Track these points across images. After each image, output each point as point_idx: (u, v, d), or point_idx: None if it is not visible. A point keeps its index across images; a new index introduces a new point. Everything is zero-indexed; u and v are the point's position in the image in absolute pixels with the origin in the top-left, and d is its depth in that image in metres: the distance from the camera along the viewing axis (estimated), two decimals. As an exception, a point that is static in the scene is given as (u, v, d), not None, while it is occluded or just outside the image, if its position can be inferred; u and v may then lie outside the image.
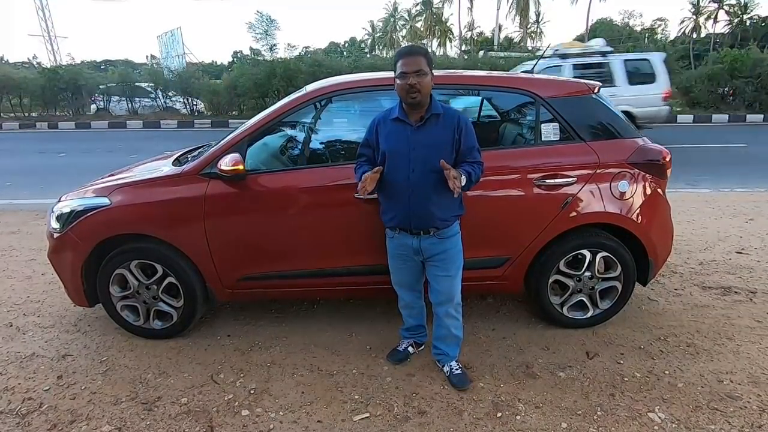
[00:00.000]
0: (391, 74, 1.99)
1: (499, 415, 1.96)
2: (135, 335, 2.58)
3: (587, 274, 2.48)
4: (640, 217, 2.43)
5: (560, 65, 8.07)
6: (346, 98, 2.60)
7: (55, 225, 2.48)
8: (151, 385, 2.19)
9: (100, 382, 2.22)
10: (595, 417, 1.95)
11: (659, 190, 2.50)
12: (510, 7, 41.41)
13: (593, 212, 2.39)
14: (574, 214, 2.38)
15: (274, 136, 2.63)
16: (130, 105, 15.89)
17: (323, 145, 2.72)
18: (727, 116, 13.00)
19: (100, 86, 15.73)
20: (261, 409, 2.02)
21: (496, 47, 29.69)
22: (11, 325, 2.76)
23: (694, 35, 40.60)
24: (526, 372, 2.25)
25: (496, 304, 2.94)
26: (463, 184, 1.84)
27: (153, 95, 15.75)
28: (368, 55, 27.10)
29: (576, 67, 8.06)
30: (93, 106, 15.97)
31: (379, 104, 2.58)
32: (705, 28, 41.49)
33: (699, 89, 13.87)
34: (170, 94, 15.67)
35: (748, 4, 38.07)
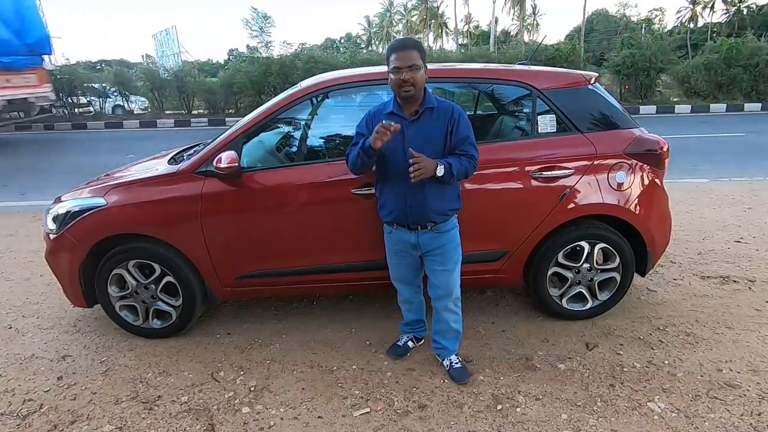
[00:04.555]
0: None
1: (499, 407, 1.97)
2: (134, 335, 2.57)
3: (586, 265, 2.48)
4: (638, 207, 2.43)
5: None
6: (343, 93, 2.59)
7: (51, 226, 2.47)
8: (152, 384, 2.20)
9: (101, 382, 2.22)
10: (595, 408, 1.95)
11: (657, 180, 2.50)
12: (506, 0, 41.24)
13: (591, 204, 2.39)
14: (572, 205, 2.37)
15: (270, 132, 2.62)
16: (126, 105, 15.86)
17: (320, 141, 2.71)
18: (725, 106, 12.99)
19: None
20: (261, 406, 2.02)
21: (492, 40, 29.53)
22: (10, 327, 2.75)
23: (691, 25, 40.49)
24: (526, 364, 2.25)
25: (495, 297, 2.94)
26: (440, 174, 1.83)
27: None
28: (364, 51, 26.94)
29: None
30: (90, 108, 15.91)
31: (375, 98, 2.57)
32: (702, 17, 41.40)
33: (696, 79, 13.85)
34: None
35: (745, -7, 37.96)
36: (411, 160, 1.80)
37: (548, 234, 2.41)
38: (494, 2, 30.81)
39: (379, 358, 2.34)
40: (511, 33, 45.37)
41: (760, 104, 13.00)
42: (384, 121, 1.77)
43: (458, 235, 2.08)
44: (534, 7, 45.25)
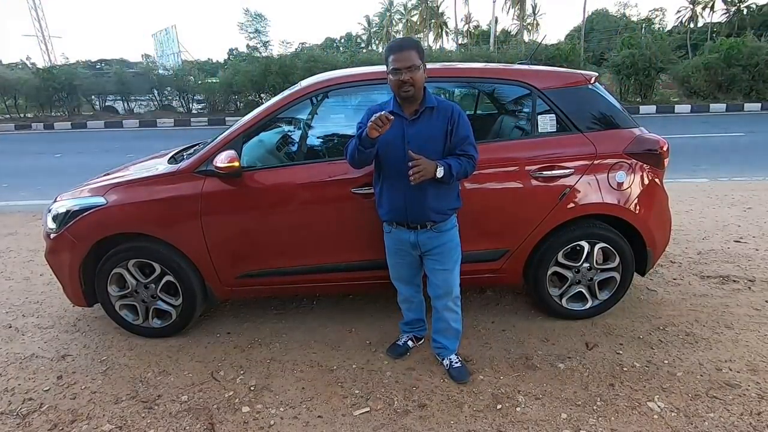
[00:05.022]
0: None
1: (499, 407, 1.97)
2: (134, 334, 2.57)
3: (586, 265, 2.48)
4: (638, 207, 2.43)
5: None
6: (343, 93, 2.59)
7: (51, 225, 2.47)
8: (152, 383, 2.20)
9: (101, 381, 2.22)
10: (594, 407, 1.95)
11: (657, 180, 2.50)
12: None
13: (591, 203, 2.39)
14: (571, 205, 2.37)
15: (270, 132, 2.62)
16: (126, 104, 15.86)
17: (320, 141, 2.70)
18: (724, 105, 13.00)
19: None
20: (261, 406, 2.02)
21: (492, 40, 29.53)
22: (10, 327, 2.75)
23: (691, 25, 40.49)
24: (526, 364, 2.25)
25: (495, 296, 2.94)
26: (440, 175, 1.82)
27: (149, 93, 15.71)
28: (364, 51, 26.97)
29: None
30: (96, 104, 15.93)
31: (375, 98, 2.57)
32: (702, 17, 41.38)
33: (696, 79, 13.85)
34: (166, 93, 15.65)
35: (745, -7, 37.94)
36: (410, 163, 1.80)
37: (548, 233, 2.41)
38: (494, 2, 30.72)
39: (378, 357, 2.34)
40: (511, 33, 45.35)
41: (759, 104, 13.00)
42: (381, 113, 1.73)
43: (458, 234, 2.08)
44: (534, 7, 45.26)
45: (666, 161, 2.52)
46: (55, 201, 2.59)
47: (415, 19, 47.37)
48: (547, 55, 13.77)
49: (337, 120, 2.77)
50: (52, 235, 2.47)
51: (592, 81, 2.53)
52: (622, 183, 2.39)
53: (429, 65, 1.97)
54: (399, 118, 1.91)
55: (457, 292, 2.13)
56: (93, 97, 15.84)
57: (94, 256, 2.44)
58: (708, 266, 3.28)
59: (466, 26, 47.69)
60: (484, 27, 47.17)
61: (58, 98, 15.24)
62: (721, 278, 3.09)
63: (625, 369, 2.19)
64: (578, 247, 2.46)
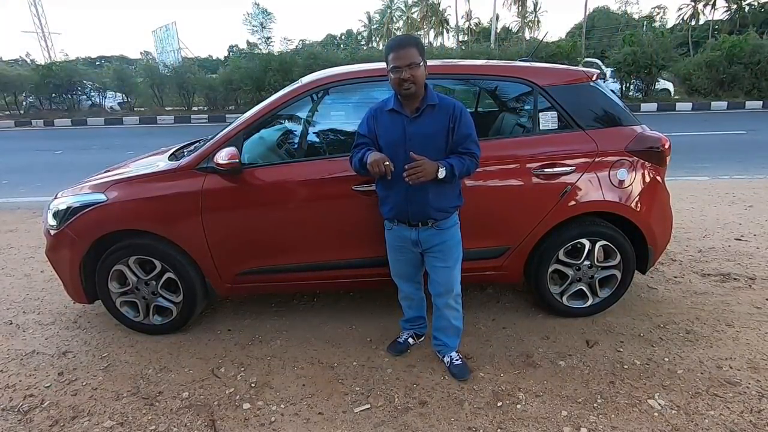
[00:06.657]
0: None
1: (499, 404, 1.97)
2: (135, 331, 2.58)
3: (586, 263, 2.48)
4: (639, 205, 2.42)
5: None
6: (343, 89, 2.58)
7: (51, 222, 2.47)
8: (152, 380, 2.20)
9: (101, 377, 2.23)
10: (595, 405, 1.95)
11: (658, 177, 2.49)
12: (507, -4, 41.12)
13: (592, 201, 2.38)
14: (573, 203, 2.37)
15: (271, 129, 2.61)
16: (125, 100, 15.85)
17: (320, 138, 2.70)
18: (726, 103, 12.98)
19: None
20: (262, 402, 2.03)
21: (493, 37, 29.41)
22: (11, 323, 2.75)
23: (693, 22, 40.39)
24: (527, 361, 2.26)
25: (496, 294, 2.94)
26: (442, 176, 1.83)
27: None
28: (365, 47, 26.90)
29: None
30: (88, 102, 15.94)
31: (376, 95, 2.56)
32: (704, 14, 41.26)
33: (698, 76, 13.83)
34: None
35: (747, -10, 37.80)
36: (407, 165, 1.80)
37: (549, 231, 2.41)
38: (495, -1, 30.58)
39: (379, 354, 2.34)
40: (512, 30, 45.24)
41: (761, 102, 12.98)
42: (386, 163, 1.81)
43: (459, 231, 2.07)
44: (535, 4, 45.12)
45: (668, 159, 2.51)
46: (55, 198, 2.59)
47: (415, 16, 47.25)
48: (548, 53, 13.73)
49: (338, 117, 2.76)
50: (52, 232, 2.47)
51: (593, 78, 2.52)
52: (624, 181, 2.38)
53: (429, 62, 1.96)
54: (400, 116, 1.91)
55: (458, 289, 2.13)
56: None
57: (95, 253, 2.44)
58: (709, 264, 3.28)
59: (467, 23, 47.60)
60: (485, 24, 47.02)
61: (57, 95, 15.23)
62: (721, 276, 3.09)
63: (625, 367, 2.19)
64: (579, 245, 2.45)
